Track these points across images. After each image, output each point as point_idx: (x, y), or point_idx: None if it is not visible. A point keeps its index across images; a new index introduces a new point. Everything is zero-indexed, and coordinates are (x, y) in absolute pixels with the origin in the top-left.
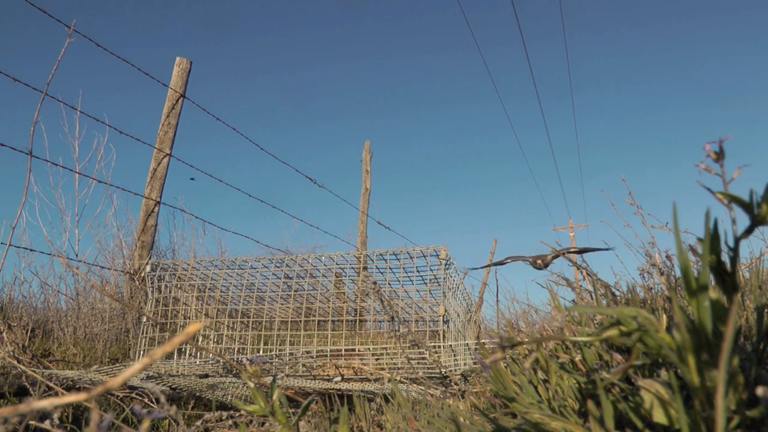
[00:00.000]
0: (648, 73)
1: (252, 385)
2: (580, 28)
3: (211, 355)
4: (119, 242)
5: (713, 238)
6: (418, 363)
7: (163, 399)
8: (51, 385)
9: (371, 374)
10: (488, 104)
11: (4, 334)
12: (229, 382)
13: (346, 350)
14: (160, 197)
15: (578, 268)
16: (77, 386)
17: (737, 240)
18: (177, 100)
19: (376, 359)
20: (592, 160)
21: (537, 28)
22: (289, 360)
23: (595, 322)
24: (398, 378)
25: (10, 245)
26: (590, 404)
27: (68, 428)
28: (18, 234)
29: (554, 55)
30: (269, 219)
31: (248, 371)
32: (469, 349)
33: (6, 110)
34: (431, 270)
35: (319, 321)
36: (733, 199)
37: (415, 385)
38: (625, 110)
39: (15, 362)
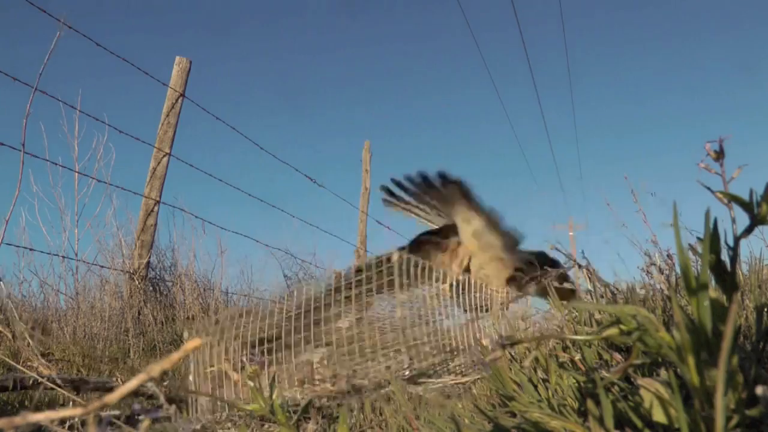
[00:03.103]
0: (648, 66)
1: (251, 384)
2: (579, 17)
3: None
4: (119, 241)
5: (713, 238)
6: None
7: (162, 398)
8: (54, 386)
9: None
10: (487, 99)
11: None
12: None
13: None
14: (160, 196)
15: (579, 267)
16: (82, 387)
17: (737, 239)
18: (176, 100)
19: None
20: (591, 154)
21: (534, 20)
22: None
23: (596, 320)
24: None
25: (8, 244)
26: (590, 403)
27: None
28: (18, 233)
29: (553, 47)
30: (269, 218)
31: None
32: None
33: (7, 112)
34: None
35: None
36: (733, 199)
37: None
38: (625, 105)
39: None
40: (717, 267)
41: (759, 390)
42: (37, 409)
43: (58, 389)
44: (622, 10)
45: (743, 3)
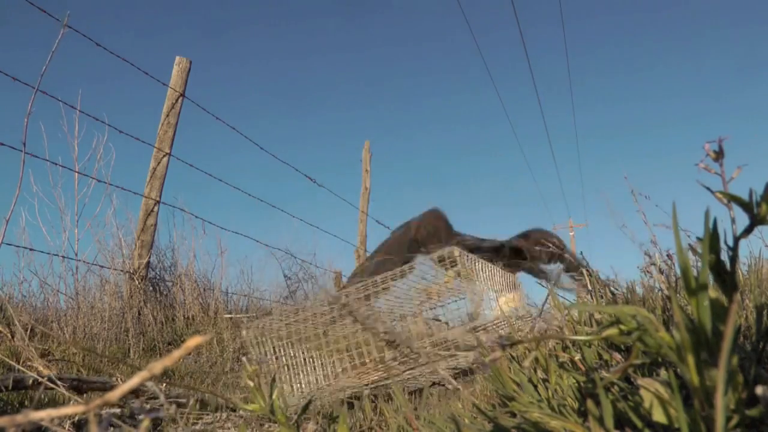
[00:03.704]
0: (649, 64)
1: (251, 384)
2: (579, 19)
3: None
4: (119, 241)
5: (713, 238)
6: None
7: (162, 398)
8: (53, 386)
9: None
10: (486, 99)
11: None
12: None
13: None
14: (160, 196)
15: (578, 267)
16: (82, 386)
17: (737, 239)
18: (176, 100)
19: None
20: (591, 154)
21: (535, 21)
22: None
23: (596, 320)
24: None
25: (8, 244)
26: (590, 403)
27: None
28: (18, 233)
29: (552, 45)
30: (269, 218)
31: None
32: None
33: (6, 113)
34: None
35: None
36: (733, 199)
37: None
38: (625, 103)
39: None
40: (717, 267)
41: (759, 390)
42: (38, 408)
43: (58, 389)
44: (622, 11)
45: (743, 3)
